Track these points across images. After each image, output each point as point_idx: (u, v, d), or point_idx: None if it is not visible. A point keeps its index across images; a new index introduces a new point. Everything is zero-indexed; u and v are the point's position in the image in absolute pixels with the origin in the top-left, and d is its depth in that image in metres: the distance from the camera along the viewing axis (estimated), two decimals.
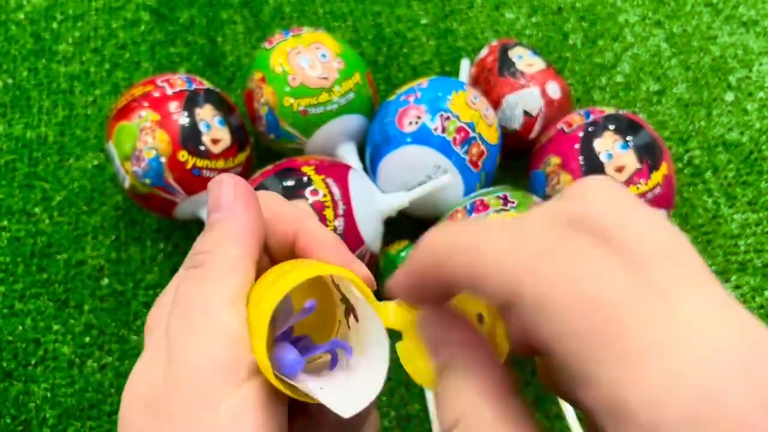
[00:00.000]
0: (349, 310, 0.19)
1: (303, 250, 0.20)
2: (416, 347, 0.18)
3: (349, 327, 0.19)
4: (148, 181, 0.38)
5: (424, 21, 0.53)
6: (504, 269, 0.14)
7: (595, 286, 0.13)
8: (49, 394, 0.39)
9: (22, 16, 0.53)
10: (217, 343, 0.16)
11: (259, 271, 0.19)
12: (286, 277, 0.17)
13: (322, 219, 0.36)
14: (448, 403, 0.15)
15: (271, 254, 0.20)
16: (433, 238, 0.16)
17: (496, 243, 0.15)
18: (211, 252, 0.18)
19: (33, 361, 0.40)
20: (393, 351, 0.18)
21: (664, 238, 0.14)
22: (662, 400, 0.12)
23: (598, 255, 0.13)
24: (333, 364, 0.19)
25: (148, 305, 0.42)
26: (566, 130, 0.39)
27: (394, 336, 0.18)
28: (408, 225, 0.43)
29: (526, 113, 0.42)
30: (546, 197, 0.39)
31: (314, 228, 0.20)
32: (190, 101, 0.39)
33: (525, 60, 0.43)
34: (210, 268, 0.18)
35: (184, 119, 0.38)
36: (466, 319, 0.17)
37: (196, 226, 0.44)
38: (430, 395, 0.38)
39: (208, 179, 0.38)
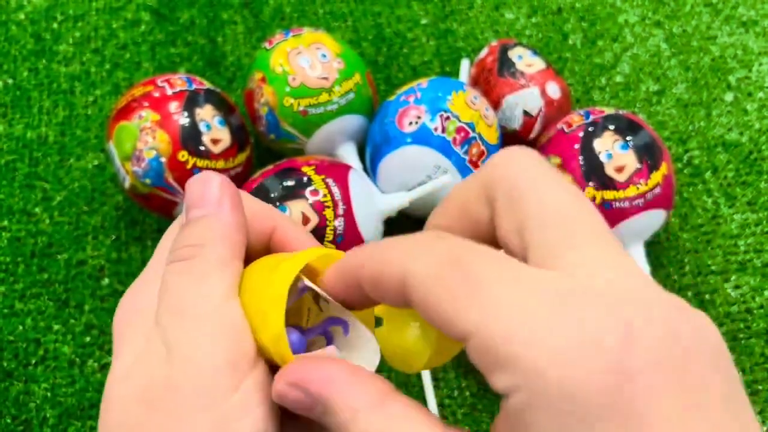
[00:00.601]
0: (318, 295, 0.19)
1: (280, 244, 0.21)
2: (395, 331, 0.18)
3: (321, 309, 0.20)
4: (148, 181, 0.38)
5: (424, 21, 0.53)
6: (394, 266, 0.15)
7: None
8: (49, 394, 0.39)
9: (22, 16, 0.53)
10: (222, 339, 0.17)
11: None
12: (290, 261, 0.18)
13: (322, 219, 0.36)
14: (341, 413, 0.16)
15: (247, 251, 0.21)
16: (355, 252, 0.17)
17: (395, 249, 0.16)
18: (201, 246, 0.18)
19: (33, 361, 0.40)
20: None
21: (561, 198, 0.15)
22: (526, 337, 0.13)
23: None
24: (329, 342, 0.19)
25: None
26: (566, 130, 0.39)
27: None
28: (408, 225, 0.43)
29: (525, 113, 0.42)
30: None
31: (289, 223, 0.21)
32: (191, 101, 0.39)
33: (525, 60, 0.43)
34: (201, 263, 0.18)
35: (184, 119, 0.38)
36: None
37: None
38: (430, 395, 0.38)
39: None
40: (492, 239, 0.17)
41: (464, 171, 0.39)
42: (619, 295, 0.13)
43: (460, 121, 0.38)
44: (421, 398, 0.39)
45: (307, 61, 0.40)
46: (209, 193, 0.19)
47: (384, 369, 0.39)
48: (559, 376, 0.12)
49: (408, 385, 0.39)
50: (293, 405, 0.16)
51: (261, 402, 0.17)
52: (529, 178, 0.16)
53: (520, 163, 0.16)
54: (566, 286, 0.13)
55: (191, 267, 0.18)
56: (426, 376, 0.39)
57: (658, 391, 0.12)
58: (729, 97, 0.49)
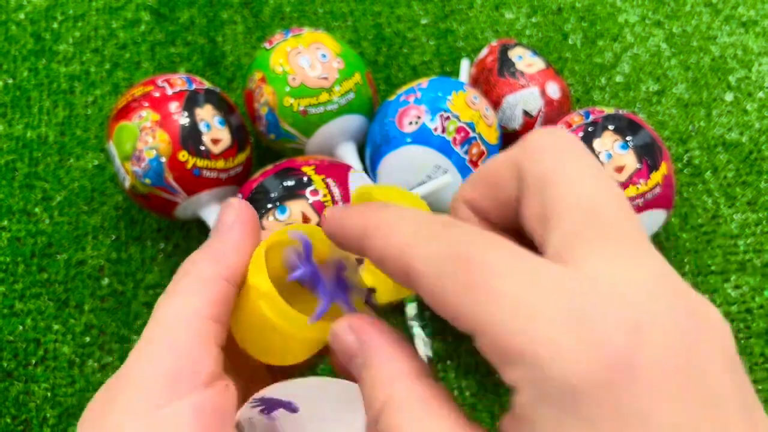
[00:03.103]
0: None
1: None
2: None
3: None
4: (148, 181, 0.38)
5: (424, 21, 0.53)
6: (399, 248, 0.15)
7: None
8: (49, 394, 0.39)
9: (22, 16, 0.53)
10: (166, 354, 0.17)
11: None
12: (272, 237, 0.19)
13: (322, 219, 0.36)
14: (373, 390, 0.16)
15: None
16: (359, 213, 0.17)
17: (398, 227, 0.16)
18: (187, 270, 0.19)
19: (33, 361, 0.40)
20: None
21: (590, 190, 0.15)
22: (531, 334, 0.13)
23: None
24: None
25: (148, 305, 0.42)
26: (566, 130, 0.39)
27: None
28: None
29: (525, 113, 0.42)
30: None
31: None
32: (191, 101, 0.39)
33: (525, 60, 0.43)
34: (181, 284, 0.18)
35: (184, 119, 0.38)
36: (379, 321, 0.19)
37: (196, 226, 0.44)
38: None
39: (209, 179, 0.39)
40: (516, 218, 0.17)
41: (464, 171, 0.39)
42: (630, 294, 0.13)
43: (460, 121, 0.38)
44: None
45: (307, 61, 0.40)
46: (225, 219, 0.20)
47: None
48: (564, 372, 0.12)
49: None
50: (341, 347, 0.17)
51: (192, 424, 0.16)
52: (562, 164, 0.15)
53: (556, 145, 0.16)
54: (577, 282, 0.13)
55: (176, 283, 0.18)
56: None
57: (662, 392, 0.12)
58: (729, 97, 0.49)
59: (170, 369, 0.17)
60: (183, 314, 0.18)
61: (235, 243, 0.19)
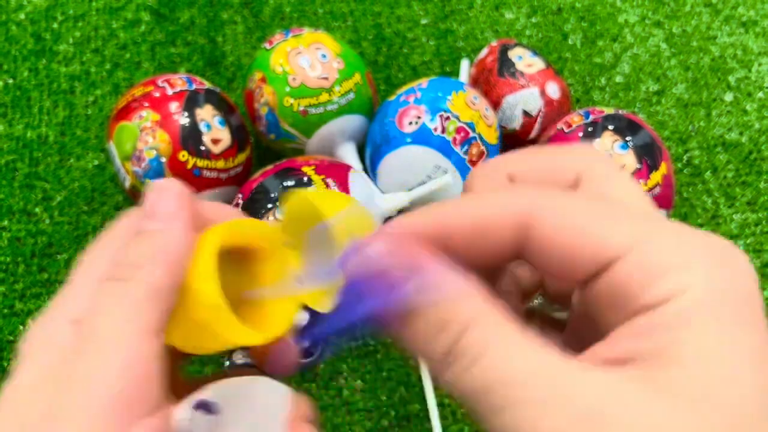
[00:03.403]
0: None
1: None
2: None
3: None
4: (148, 180, 0.38)
5: (424, 21, 0.53)
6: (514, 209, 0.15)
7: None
8: None
9: (22, 16, 0.53)
10: (121, 377, 0.15)
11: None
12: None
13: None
14: (449, 311, 0.14)
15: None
16: (436, 210, 0.16)
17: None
18: (138, 268, 0.16)
19: None
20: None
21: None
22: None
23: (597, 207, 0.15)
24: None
25: None
26: (566, 130, 0.39)
27: None
28: None
29: (525, 113, 0.42)
30: None
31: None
32: (191, 101, 0.39)
33: (525, 60, 0.43)
34: (133, 288, 0.16)
35: (184, 119, 0.38)
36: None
37: None
38: (430, 395, 0.38)
39: (209, 179, 0.39)
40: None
41: (464, 171, 0.39)
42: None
43: (460, 121, 0.38)
44: (421, 398, 0.39)
45: (307, 61, 0.40)
46: (164, 205, 0.17)
47: (384, 369, 0.39)
48: (728, 284, 0.13)
49: (408, 385, 0.39)
50: (397, 258, 0.14)
51: None
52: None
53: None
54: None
55: (122, 291, 0.16)
56: (426, 377, 0.39)
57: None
58: (729, 97, 0.49)
59: (125, 394, 0.15)
60: (141, 330, 0.16)
61: (186, 245, 0.17)
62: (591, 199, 0.15)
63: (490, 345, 0.13)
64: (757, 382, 0.12)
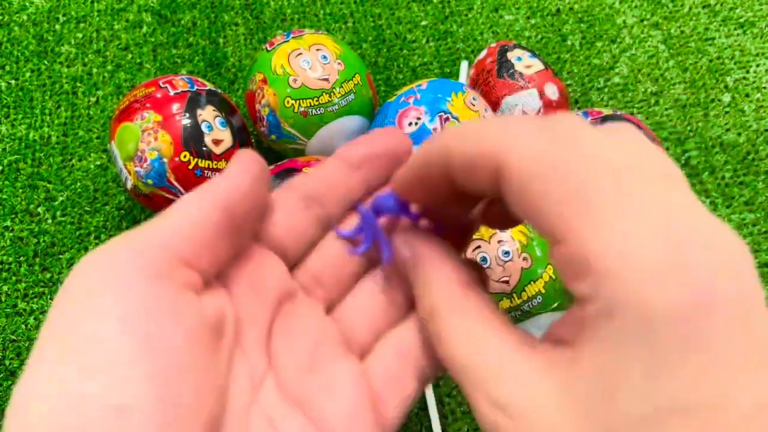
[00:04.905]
0: None
1: None
2: None
3: None
4: (150, 181, 0.38)
5: (423, 23, 0.53)
6: (494, 141, 0.15)
7: (577, 158, 0.14)
8: None
9: (25, 17, 0.53)
10: (69, 409, 0.13)
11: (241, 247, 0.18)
12: None
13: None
14: (422, 297, 0.18)
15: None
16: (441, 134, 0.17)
17: (496, 126, 0.15)
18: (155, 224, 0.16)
19: None
20: None
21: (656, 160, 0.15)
22: (621, 250, 0.13)
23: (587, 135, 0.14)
24: None
25: None
26: None
27: None
28: None
29: (524, 114, 0.43)
30: None
31: None
32: (192, 102, 0.39)
33: (523, 61, 0.44)
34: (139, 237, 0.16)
35: (186, 120, 0.38)
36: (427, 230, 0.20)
37: None
38: (430, 394, 0.39)
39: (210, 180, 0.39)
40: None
41: None
42: (717, 235, 0.13)
43: (459, 122, 0.39)
44: (421, 396, 0.39)
45: (307, 63, 0.40)
46: (229, 168, 0.19)
47: None
48: (648, 296, 0.12)
49: None
50: (400, 259, 0.19)
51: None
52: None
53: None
54: (679, 218, 0.13)
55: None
56: None
57: (727, 331, 0.12)
58: (726, 98, 0.50)
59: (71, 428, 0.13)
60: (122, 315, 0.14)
61: (225, 190, 0.18)
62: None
63: (449, 333, 0.16)
64: None
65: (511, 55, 0.44)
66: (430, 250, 0.18)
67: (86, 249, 0.44)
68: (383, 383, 0.19)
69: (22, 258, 0.44)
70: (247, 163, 0.19)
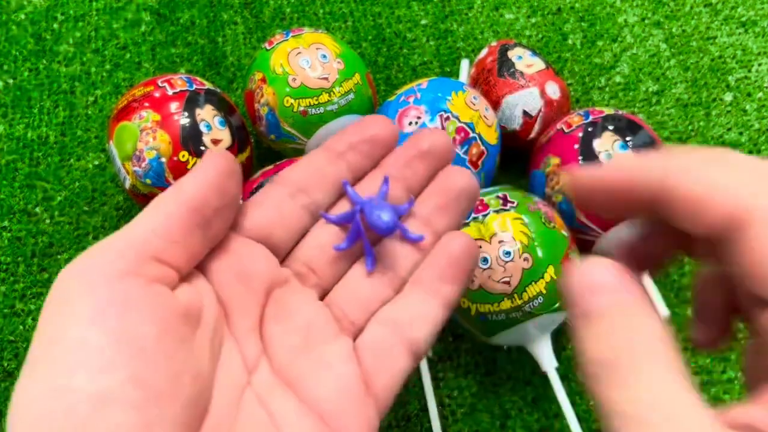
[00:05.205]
0: None
1: None
2: None
3: None
4: (149, 181, 0.38)
5: (423, 22, 0.53)
6: (734, 190, 0.14)
7: None
8: None
9: (23, 16, 0.53)
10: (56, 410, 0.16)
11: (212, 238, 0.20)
12: None
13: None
14: (614, 334, 0.14)
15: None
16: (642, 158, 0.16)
17: (718, 165, 0.14)
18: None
19: None
20: None
21: None
22: None
23: None
24: None
25: None
26: (565, 130, 0.39)
27: None
28: None
29: (525, 113, 0.42)
30: (546, 197, 0.39)
31: None
32: (191, 102, 0.39)
33: (524, 60, 0.43)
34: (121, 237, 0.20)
35: (184, 119, 0.38)
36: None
37: None
38: (430, 395, 0.38)
39: None
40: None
41: None
42: None
43: (459, 121, 0.38)
44: (421, 397, 0.39)
45: (307, 62, 0.40)
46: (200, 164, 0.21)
47: None
48: None
49: (407, 385, 0.40)
50: (591, 280, 0.15)
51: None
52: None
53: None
54: None
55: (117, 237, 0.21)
56: (426, 376, 0.39)
57: None
58: (728, 97, 0.49)
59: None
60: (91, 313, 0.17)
61: (192, 191, 0.20)
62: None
63: (640, 376, 0.13)
64: None
65: (512, 54, 0.44)
66: (638, 288, 0.15)
67: (84, 249, 0.43)
68: (374, 358, 0.20)
69: (19, 258, 0.43)
70: (214, 160, 0.20)
